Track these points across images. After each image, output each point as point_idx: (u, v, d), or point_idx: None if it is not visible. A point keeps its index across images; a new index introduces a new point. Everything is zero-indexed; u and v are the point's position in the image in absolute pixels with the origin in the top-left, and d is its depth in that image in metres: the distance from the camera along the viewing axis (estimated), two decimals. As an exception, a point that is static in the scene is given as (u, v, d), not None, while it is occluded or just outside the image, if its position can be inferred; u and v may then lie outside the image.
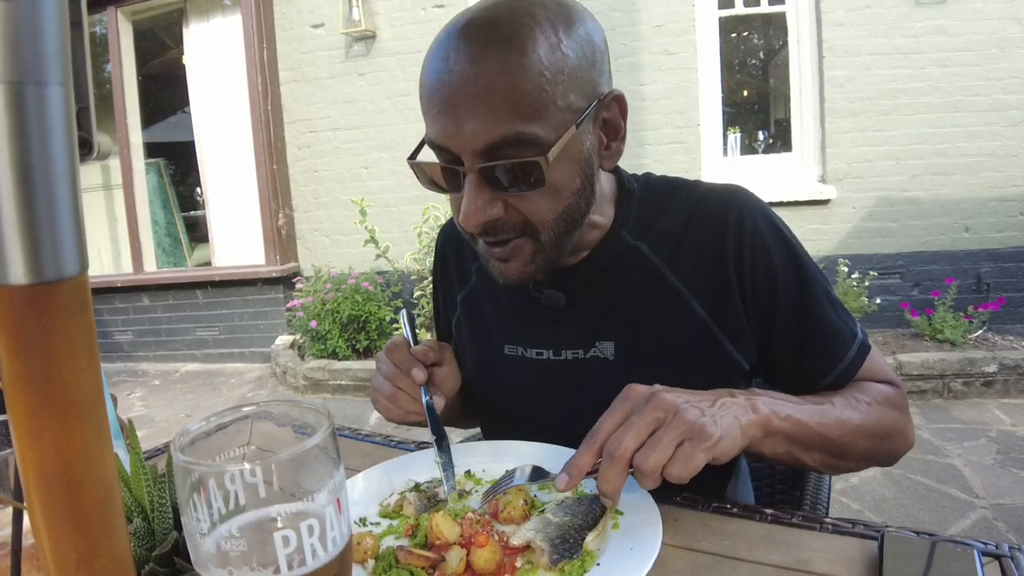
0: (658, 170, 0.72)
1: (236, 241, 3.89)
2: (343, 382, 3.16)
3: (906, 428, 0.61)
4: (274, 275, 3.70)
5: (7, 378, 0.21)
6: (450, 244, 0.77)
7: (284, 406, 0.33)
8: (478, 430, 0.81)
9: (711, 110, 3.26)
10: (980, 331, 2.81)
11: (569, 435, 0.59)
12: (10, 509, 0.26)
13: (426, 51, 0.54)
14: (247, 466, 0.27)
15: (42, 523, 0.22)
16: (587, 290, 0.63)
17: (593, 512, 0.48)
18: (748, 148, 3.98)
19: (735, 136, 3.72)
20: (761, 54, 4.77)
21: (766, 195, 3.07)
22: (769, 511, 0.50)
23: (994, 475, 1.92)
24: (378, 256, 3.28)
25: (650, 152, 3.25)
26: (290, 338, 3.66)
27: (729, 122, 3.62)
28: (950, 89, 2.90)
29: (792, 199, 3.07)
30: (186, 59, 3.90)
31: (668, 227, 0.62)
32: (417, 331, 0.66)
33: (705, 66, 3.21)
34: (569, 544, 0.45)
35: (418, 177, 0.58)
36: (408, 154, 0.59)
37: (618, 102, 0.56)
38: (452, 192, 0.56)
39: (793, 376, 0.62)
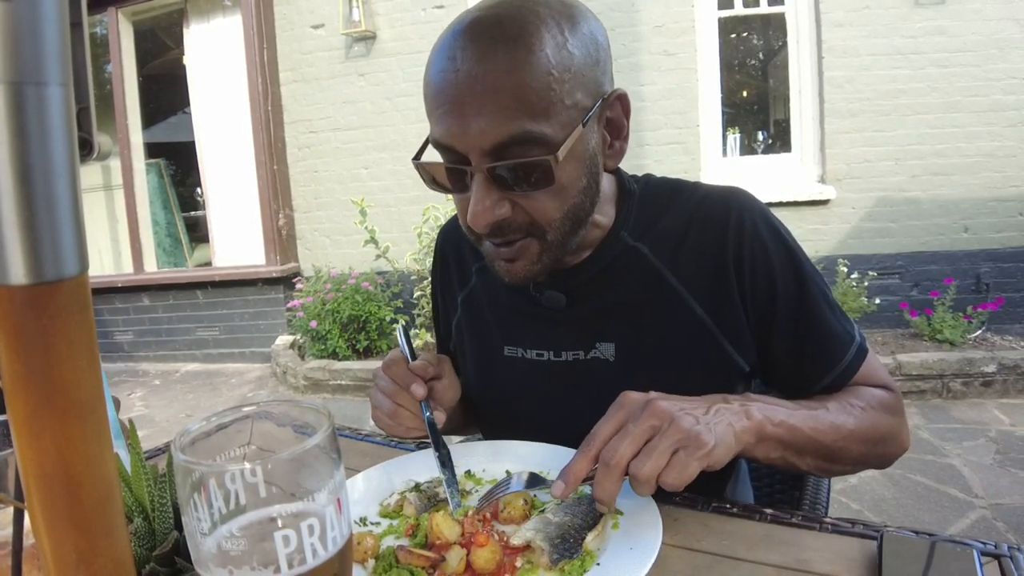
0: (658, 170, 0.72)
1: (236, 241, 3.89)
2: (343, 382, 3.16)
3: (900, 432, 0.61)
4: (274, 275, 3.70)
5: (7, 378, 0.21)
6: (450, 244, 0.77)
7: (284, 406, 0.33)
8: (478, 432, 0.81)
9: (711, 110, 3.26)
10: (979, 331, 2.81)
11: (569, 436, 0.59)
12: (11, 509, 0.26)
13: (429, 52, 0.54)
14: (247, 466, 0.27)
15: (42, 523, 0.22)
16: (587, 291, 0.63)
17: (593, 512, 0.48)
18: (747, 148, 3.98)
19: (735, 136, 3.72)
20: (760, 55, 4.77)
21: (765, 195, 3.08)
22: (769, 511, 0.50)
23: (993, 475, 1.92)
24: (378, 256, 3.28)
25: (650, 152, 3.25)
26: (290, 338, 3.66)
27: (728, 122, 3.62)
28: (949, 90, 2.90)
29: (791, 199, 3.07)
30: (186, 59, 3.90)
31: (668, 228, 0.62)
32: (415, 346, 0.65)
33: (705, 67, 3.21)
34: (569, 544, 0.45)
35: (422, 178, 0.57)
36: (409, 154, 0.58)
37: (621, 101, 0.57)
38: (457, 193, 0.56)
39: (791, 378, 0.62)
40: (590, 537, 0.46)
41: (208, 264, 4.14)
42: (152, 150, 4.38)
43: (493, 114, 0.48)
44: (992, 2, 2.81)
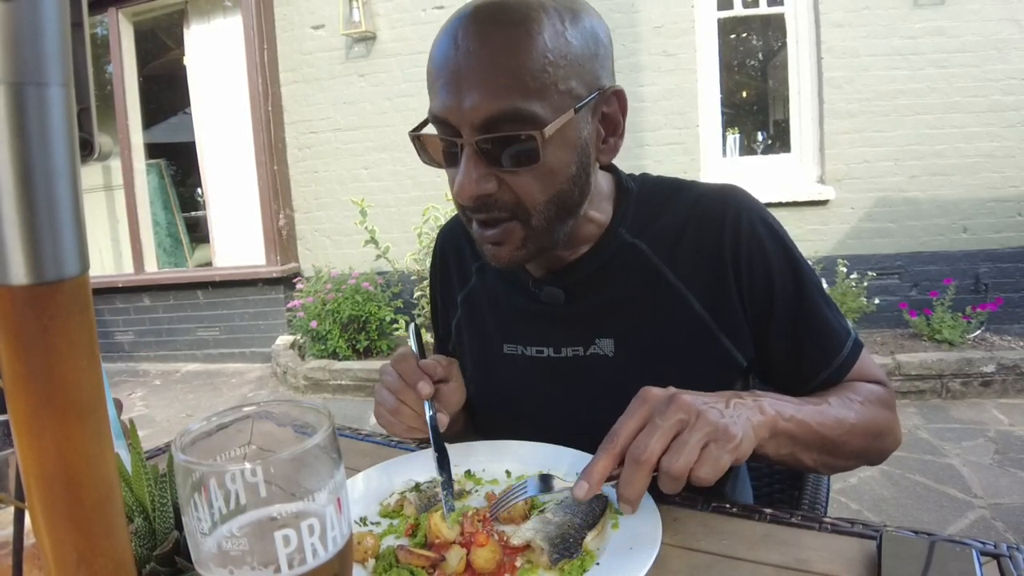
0: (657, 171, 0.72)
1: (237, 242, 3.89)
2: (343, 382, 3.16)
3: (895, 426, 0.62)
4: (275, 275, 3.70)
5: (8, 378, 0.21)
6: (450, 244, 0.77)
7: (285, 406, 0.33)
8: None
9: (710, 111, 3.26)
10: (978, 331, 2.81)
11: (569, 433, 0.59)
12: (11, 508, 0.26)
13: (428, 52, 0.55)
14: (248, 466, 0.28)
15: (43, 522, 0.22)
16: (586, 287, 0.64)
17: (593, 511, 0.48)
18: (747, 149, 3.98)
19: (734, 137, 3.72)
20: (760, 55, 4.77)
21: (765, 196, 3.08)
22: (768, 511, 0.50)
23: (992, 475, 1.92)
24: (378, 256, 3.29)
25: (649, 153, 3.25)
26: (290, 338, 3.66)
27: (728, 123, 3.63)
28: (948, 90, 2.90)
29: (791, 200, 3.08)
30: (187, 60, 3.90)
31: (666, 226, 0.63)
32: (424, 345, 0.64)
33: (704, 67, 3.21)
34: (569, 543, 0.45)
35: (418, 152, 0.58)
36: (409, 155, 0.60)
37: (618, 97, 0.57)
38: (449, 167, 0.56)
39: (788, 373, 0.63)
40: (590, 537, 0.46)
41: (208, 264, 4.14)
42: (153, 150, 4.38)
43: (486, 90, 0.50)
44: (991, 3, 2.81)
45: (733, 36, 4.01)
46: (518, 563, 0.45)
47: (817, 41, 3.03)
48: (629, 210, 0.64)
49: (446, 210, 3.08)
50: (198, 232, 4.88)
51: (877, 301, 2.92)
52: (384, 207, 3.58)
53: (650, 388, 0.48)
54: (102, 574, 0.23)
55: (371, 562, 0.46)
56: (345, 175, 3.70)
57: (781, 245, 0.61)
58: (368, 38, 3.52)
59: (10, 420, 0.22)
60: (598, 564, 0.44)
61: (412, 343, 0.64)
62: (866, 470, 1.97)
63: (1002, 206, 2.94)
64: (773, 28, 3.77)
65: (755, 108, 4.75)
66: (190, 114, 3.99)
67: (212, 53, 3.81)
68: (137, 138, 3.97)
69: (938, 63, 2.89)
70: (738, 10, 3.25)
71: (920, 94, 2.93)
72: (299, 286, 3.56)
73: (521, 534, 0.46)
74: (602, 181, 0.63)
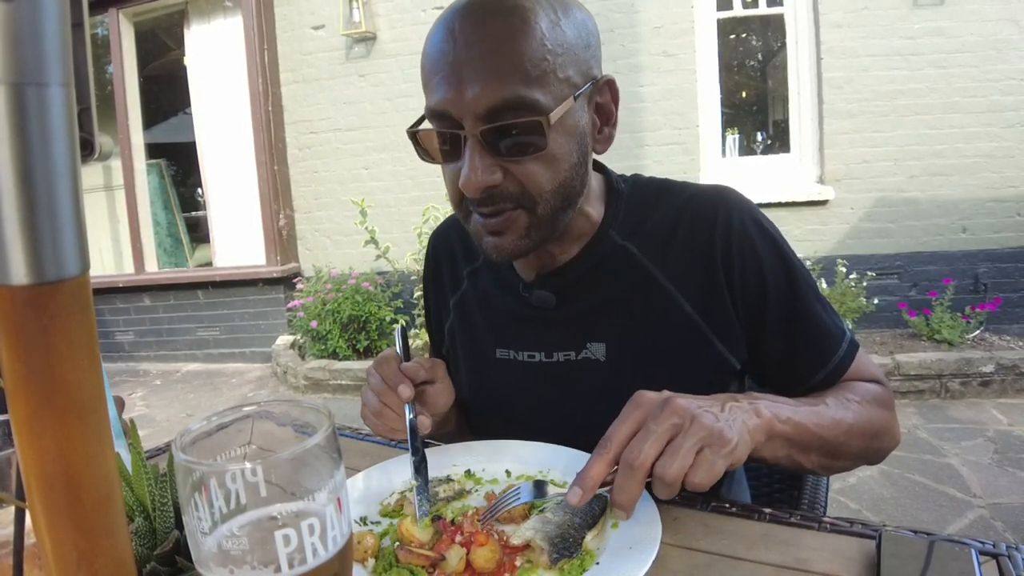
0: (657, 171, 0.72)
1: (237, 242, 3.89)
2: (343, 382, 3.16)
3: (893, 426, 0.61)
4: (275, 275, 3.70)
5: (8, 378, 0.21)
6: (442, 248, 0.76)
7: (285, 406, 0.33)
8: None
9: (710, 111, 3.26)
10: (977, 331, 2.82)
11: (562, 437, 0.59)
12: (12, 508, 0.26)
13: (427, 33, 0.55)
14: (248, 465, 0.28)
15: (43, 522, 0.22)
16: (577, 291, 0.63)
17: (592, 511, 0.48)
18: (747, 149, 3.98)
19: (734, 137, 3.72)
20: (759, 55, 4.78)
21: (764, 196, 3.08)
22: (767, 510, 0.50)
23: (991, 474, 1.93)
24: (378, 256, 3.28)
25: (649, 153, 3.25)
26: (291, 338, 3.66)
27: (728, 123, 3.63)
28: (948, 90, 2.91)
29: (790, 200, 3.08)
30: (187, 60, 3.90)
31: (657, 227, 0.62)
32: (411, 347, 0.64)
33: (704, 67, 3.21)
34: (568, 543, 0.45)
35: (416, 150, 0.58)
36: (409, 155, 0.59)
37: (610, 87, 0.58)
38: (450, 162, 0.56)
39: (784, 375, 0.62)
40: (589, 536, 0.46)
41: (209, 264, 4.14)
42: (153, 150, 4.38)
43: (488, 79, 0.50)
44: (990, 3, 2.81)
45: (733, 36, 4.00)
46: (518, 563, 0.45)
47: (816, 41, 3.03)
48: (619, 211, 0.63)
49: (446, 210, 3.08)
50: (198, 232, 4.88)
51: (876, 301, 2.92)
52: (384, 207, 3.58)
53: (644, 392, 0.47)
54: (102, 573, 0.23)
55: (371, 562, 0.46)
56: (345, 175, 3.70)
57: (773, 245, 0.61)
58: (368, 38, 3.52)
59: (11, 420, 0.22)
60: (598, 564, 0.44)
61: (398, 345, 0.63)
62: (865, 470, 1.97)
63: (1001, 206, 2.94)
64: (773, 28, 3.77)
65: (755, 108, 4.75)
66: (190, 114, 3.99)
67: (212, 53, 3.81)
68: (137, 138, 3.96)
69: (937, 63, 2.90)
70: (738, 10, 3.25)
71: (919, 94, 2.93)
72: (299, 286, 3.56)
73: (521, 534, 0.46)
74: (593, 181, 0.63)
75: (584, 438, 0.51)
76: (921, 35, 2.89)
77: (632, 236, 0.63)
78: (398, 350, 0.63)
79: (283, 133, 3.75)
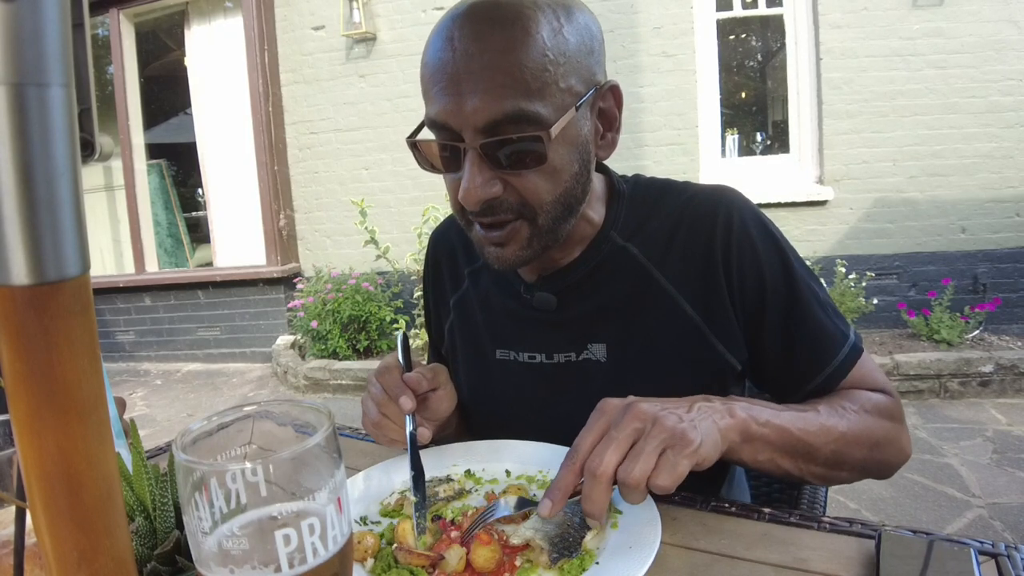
0: (657, 171, 0.72)
1: (237, 242, 3.89)
2: (344, 382, 3.16)
3: (899, 439, 0.59)
4: (275, 275, 3.70)
5: (9, 378, 0.21)
6: (443, 248, 0.76)
7: (285, 405, 0.33)
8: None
9: (709, 112, 3.26)
10: (976, 331, 2.82)
11: (562, 438, 0.58)
12: (13, 508, 0.26)
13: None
14: (248, 465, 0.28)
15: (44, 522, 0.22)
16: (578, 292, 0.63)
17: (592, 511, 0.48)
18: (746, 150, 3.98)
19: (733, 138, 3.73)
20: (759, 56, 4.78)
21: (764, 196, 3.08)
22: (767, 510, 0.50)
23: (990, 474, 1.93)
24: (378, 257, 3.29)
25: (648, 154, 3.25)
26: (291, 338, 3.66)
27: (727, 124, 3.63)
28: (947, 91, 2.91)
29: (790, 200, 3.08)
30: (188, 61, 3.90)
31: (657, 228, 0.62)
32: (416, 346, 0.63)
33: (703, 68, 3.22)
34: (568, 543, 0.45)
35: (416, 158, 0.57)
36: (409, 155, 0.58)
37: (614, 93, 0.57)
38: (450, 172, 0.55)
39: (781, 377, 0.61)
40: (589, 536, 0.46)
41: (209, 264, 4.14)
42: (153, 151, 4.38)
43: (488, 92, 0.49)
44: (989, 4, 2.81)
45: (732, 37, 4.01)
46: (518, 562, 0.45)
47: (816, 42, 3.03)
48: (620, 212, 0.63)
49: (446, 210, 3.08)
50: (199, 232, 4.88)
51: (875, 301, 2.92)
52: (384, 207, 3.59)
53: (608, 399, 0.47)
54: (103, 573, 0.23)
55: (371, 561, 0.46)
56: (345, 175, 3.70)
57: (773, 245, 0.60)
58: (368, 39, 3.52)
59: (11, 420, 0.22)
60: (597, 563, 0.44)
61: (399, 353, 0.63)
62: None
63: (1000, 207, 2.95)
64: (772, 29, 3.77)
65: (754, 109, 4.75)
66: (191, 115, 3.99)
67: (213, 54, 3.81)
68: (138, 138, 3.97)
69: (936, 64, 2.90)
70: (737, 11, 3.25)
71: (918, 95, 2.93)
72: (299, 286, 3.56)
73: (521, 533, 0.46)
74: (596, 183, 0.63)
75: None
76: (920, 36, 2.89)
77: (633, 237, 0.63)
78: (399, 358, 0.62)
79: (283, 133, 3.76)
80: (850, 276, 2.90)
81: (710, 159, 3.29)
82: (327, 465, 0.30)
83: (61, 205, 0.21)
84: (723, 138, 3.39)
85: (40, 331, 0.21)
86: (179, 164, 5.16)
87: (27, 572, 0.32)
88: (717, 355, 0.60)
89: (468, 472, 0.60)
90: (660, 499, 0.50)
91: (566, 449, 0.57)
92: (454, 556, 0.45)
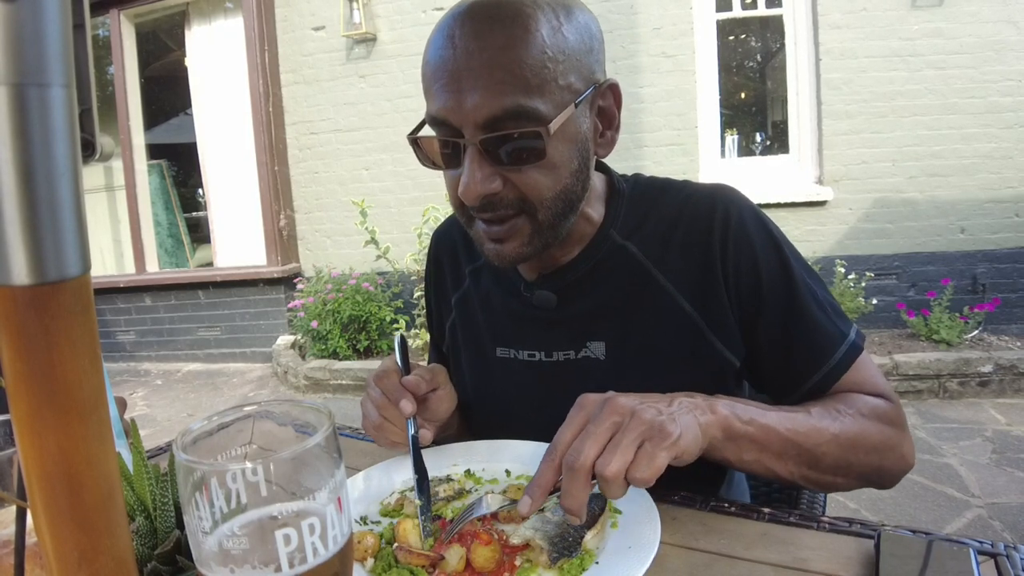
0: (656, 172, 0.72)
1: (238, 242, 3.89)
2: (344, 382, 3.16)
3: (900, 445, 0.57)
4: (275, 276, 3.70)
5: (10, 377, 0.21)
6: (444, 246, 0.77)
7: (285, 405, 0.33)
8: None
9: (709, 112, 3.27)
10: (976, 331, 2.82)
11: None
12: (13, 507, 0.26)
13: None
14: (249, 465, 0.28)
15: (44, 521, 0.22)
16: (577, 291, 0.64)
17: (592, 511, 0.48)
18: (745, 150, 3.98)
19: (733, 138, 3.73)
20: (758, 56, 4.78)
21: (763, 197, 3.08)
22: (767, 510, 0.50)
23: (990, 474, 1.93)
24: (378, 257, 3.29)
25: (648, 154, 3.25)
26: (291, 338, 3.66)
27: (727, 124, 3.63)
28: (946, 91, 2.91)
29: (789, 200, 3.08)
30: (188, 61, 3.90)
31: (656, 227, 0.62)
32: (415, 346, 0.63)
33: (703, 68, 3.22)
34: (568, 543, 0.45)
35: (417, 155, 0.58)
36: (409, 156, 0.59)
37: (613, 91, 0.57)
38: (450, 169, 0.56)
39: (779, 376, 0.61)
40: (589, 536, 0.46)
41: (210, 264, 4.14)
42: (154, 151, 4.39)
43: (488, 89, 0.50)
44: (989, 4, 2.82)
45: (732, 37, 4.01)
46: (518, 562, 0.45)
47: (815, 42, 3.04)
48: (620, 211, 0.64)
49: (446, 210, 3.08)
50: (199, 232, 4.88)
51: (875, 301, 2.92)
52: (384, 207, 3.59)
53: (587, 395, 0.47)
54: (103, 573, 0.23)
55: (371, 561, 0.46)
56: (345, 176, 3.70)
57: (771, 242, 0.60)
58: (368, 39, 3.52)
59: (12, 419, 0.22)
60: (597, 563, 0.44)
61: (397, 356, 0.63)
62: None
63: (999, 207, 2.95)
64: (771, 29, 3.77)
65: (753, 109, 4.75)
66: (191, 115, 3.99)
67: (213, 54, 3.81)
68: (138, 139, 3.97)
69: (936, 64, 2.90)
70: (737, 12, 3.25)
71: (918, 95, 2.93)
72: (300, 286, 3.56)
73: (520, 533, 0.46)
74: (596, 181, 0.63)
75: None
76: (919, 36, 2.90)
77: (632, 236, 0.63)
78: (398, 361, 0.62)
79: (283, 134, 3.76)
80: (849, 276, 2.90)
81: (710, 159, 3.29)
82: (327, 465, 0.30)
83: (62, 205, 0.21)
84: (723, 138, 3.40)
85: (41, 331, 0.21)
86: (179, 164, 5.17)
87: (28, 572, 0.32)
88: (716, 353, 0.61)
89: (468, 472, 0.60)
90: (660, 499, 0.50)
91: (566, 449, 0.58)
92: (454, 556, 0.45)
